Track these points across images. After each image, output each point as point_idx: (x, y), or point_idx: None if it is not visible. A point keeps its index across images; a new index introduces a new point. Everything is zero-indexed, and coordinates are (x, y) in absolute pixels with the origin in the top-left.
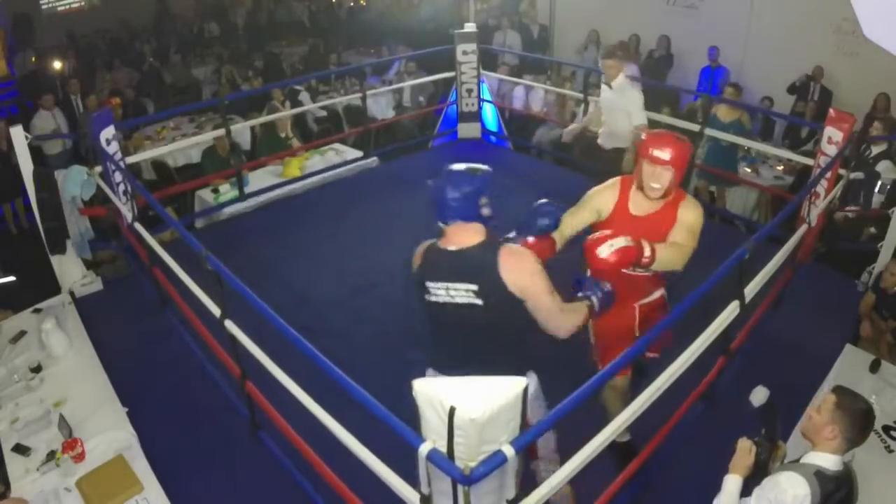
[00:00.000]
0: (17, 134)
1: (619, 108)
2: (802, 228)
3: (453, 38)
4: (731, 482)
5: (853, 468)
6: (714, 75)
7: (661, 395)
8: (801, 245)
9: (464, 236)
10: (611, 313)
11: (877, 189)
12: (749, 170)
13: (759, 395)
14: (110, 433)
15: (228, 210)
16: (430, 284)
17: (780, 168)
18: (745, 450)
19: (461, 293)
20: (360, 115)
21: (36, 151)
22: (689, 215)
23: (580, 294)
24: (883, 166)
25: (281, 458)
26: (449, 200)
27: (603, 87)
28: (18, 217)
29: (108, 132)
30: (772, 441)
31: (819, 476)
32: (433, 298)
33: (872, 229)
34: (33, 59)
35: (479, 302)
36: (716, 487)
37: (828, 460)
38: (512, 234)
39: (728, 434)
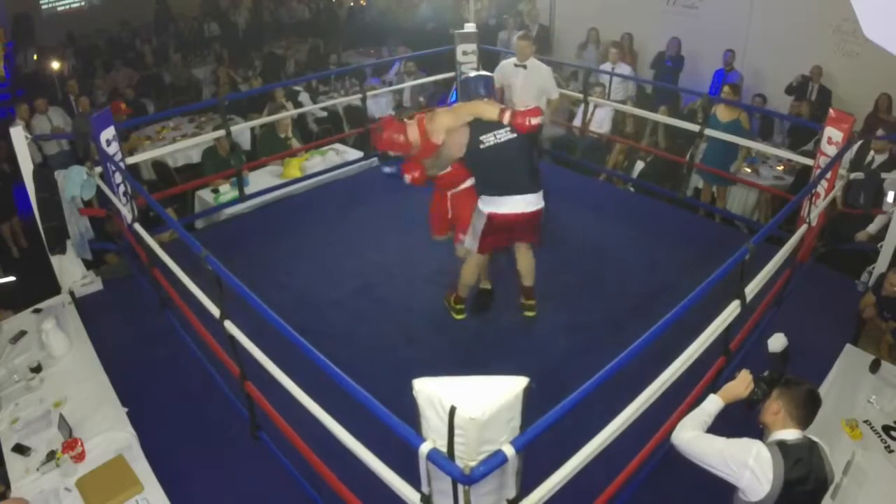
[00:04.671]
0: (17, 134)
1: (535, 87)
2: (802, 228)
3: (453, 38)
4: (712, 402)
5: (822, 448)
6: (728, 79)
7: (661, 394)
8: (801, 245)
9: None
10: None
11: (891, 199)
12: (749, 170)
13: (776, 342)
14: (110, 433)
15: (228, 211)
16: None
17: (781, 168)
18: (743, 381)
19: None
20: (361, 116)
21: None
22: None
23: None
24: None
25: (281, 458)
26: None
27: (515, 69)
28: (16, 236)
29: (108, 133)
30: (771, 388)
31: (781, 446)
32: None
33: None
34: (35, 56)
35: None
36: (715, 487)
37: (784, 434)
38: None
39: (728, 433)
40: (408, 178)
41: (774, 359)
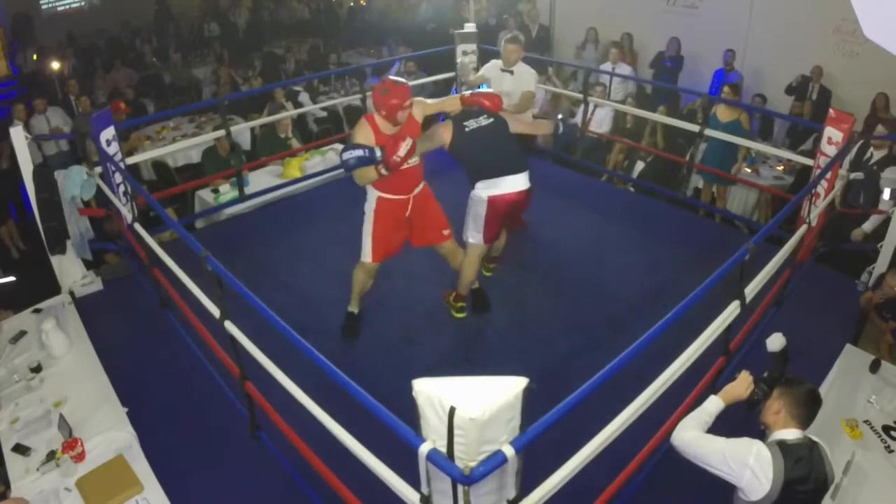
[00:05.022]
0: (17, 134)
1: (520, 93)
2: (802, 228)
3: (453, 38)
4: (713, 403)
5: (823, 447)
6: (728, 79)
7: (661, 394)
8: (801, 245)
9: None
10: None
11: (887, 195)
12: (749, 170)
13: (775, 342)
14: (110, 433)
15: (228, 211)
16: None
17: (780, 168)
18: (743, 381)
19: None
20: (361, 116)
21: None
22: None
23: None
24: (893, 172)
25: (281, 458)
26: None
27: (501, 74)
28: (13, 239)
29: (108, 133)
30: (771, 388)
31: (781, 445)
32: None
33: None
34: (34, 56)
35: None
36: (715, 486)
37: (785, 433)
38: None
39: (727, 434)
40: (407, 142)
41: (774, 358)
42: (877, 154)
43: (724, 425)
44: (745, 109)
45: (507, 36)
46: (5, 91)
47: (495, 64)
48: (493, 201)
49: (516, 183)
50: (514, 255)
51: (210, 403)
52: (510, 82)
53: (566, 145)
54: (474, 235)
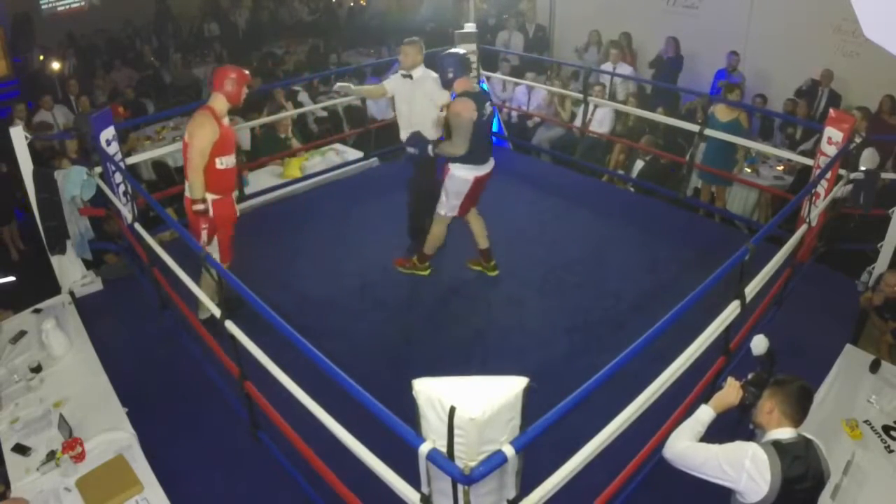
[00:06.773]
0: (17, 134)
1: (422, 100)
2: (802, 228)
3: (453, 38)
4: (704, 412)
5: (818, 445)
6: (729, 80)
7: (661, 394)
8: (801, 245)
9: None
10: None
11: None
12: (749, 170)
13: (759, 345)
14: (110, 433)
15: None
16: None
17: (781, 168)
18: (732, 388)
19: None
20: (361, 116)
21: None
22: None
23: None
24: (866, 154)
25: (281, 458)
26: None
27: (402, 79)
28: (14, 240)
29: (108, 133)
30: (761, 390)
31: (776, 445)
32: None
33: None
34: (40, 57)
35: None
36: (715, 487)
37: (779, 433)
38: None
39: (727, 434)
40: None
41: (761, 361)
42: (858, 138)
43: (718, 428)
44: (745, 109)
45: (408, 39)
46: (5, 91)
47: (398, 75)
48: (478, 180)
49: (489, 166)
50: (515, 255)
51: (210, 403)
52: (410, 87)
53: (566, 145)
54: (451, 209)
